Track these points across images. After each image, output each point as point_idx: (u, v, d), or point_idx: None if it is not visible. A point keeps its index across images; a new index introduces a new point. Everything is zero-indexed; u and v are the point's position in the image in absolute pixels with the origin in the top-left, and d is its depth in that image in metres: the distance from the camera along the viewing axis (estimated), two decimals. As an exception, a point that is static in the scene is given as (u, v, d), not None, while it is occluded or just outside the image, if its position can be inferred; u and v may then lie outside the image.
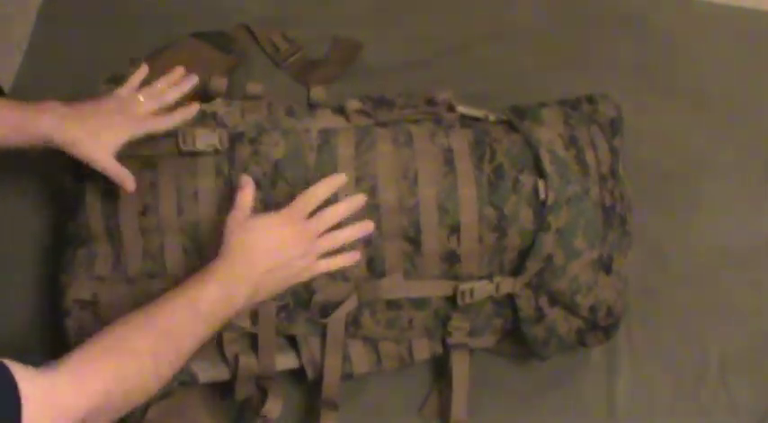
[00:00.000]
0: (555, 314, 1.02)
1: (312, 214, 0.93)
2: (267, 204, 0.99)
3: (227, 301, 0.85)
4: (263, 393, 1.03)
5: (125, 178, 0.96)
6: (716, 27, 1.31)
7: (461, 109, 1.08)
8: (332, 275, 1.00)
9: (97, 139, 0.94)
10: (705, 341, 1.15)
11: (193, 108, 1.01)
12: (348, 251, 0.95)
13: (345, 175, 0.95)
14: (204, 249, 0.99)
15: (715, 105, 1.27)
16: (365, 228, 0.95)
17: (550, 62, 1.28)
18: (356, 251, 0.96)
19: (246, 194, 0.91)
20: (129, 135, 0.96)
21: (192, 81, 1.05)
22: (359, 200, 0.95)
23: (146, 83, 1.07)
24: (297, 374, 1.05)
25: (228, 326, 0.99)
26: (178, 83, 1.04)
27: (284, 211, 0.91)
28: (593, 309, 1.01)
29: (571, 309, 1.01)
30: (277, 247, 0.89)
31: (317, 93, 1.12)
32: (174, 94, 1.02)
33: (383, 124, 1.04)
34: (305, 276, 0.93)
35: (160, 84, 1.03)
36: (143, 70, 1.04)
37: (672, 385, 1.13)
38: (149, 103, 1.00)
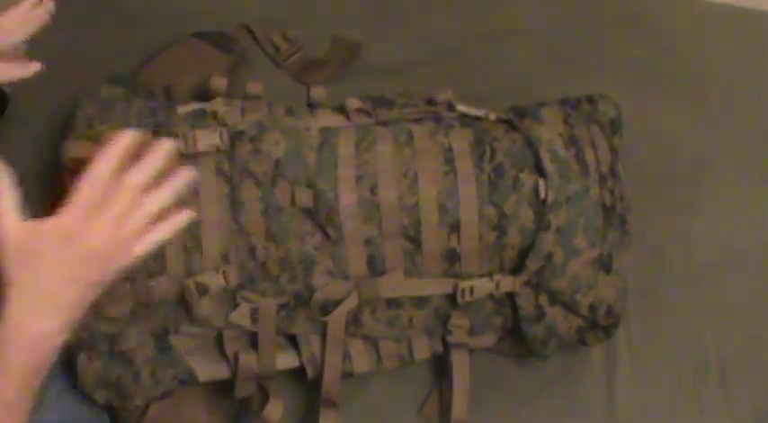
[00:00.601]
0: (555, 313, 1.02)
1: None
2: (267, 203, 0.99)
3: (32, 377, 0.68)
4: (264, 394, 1.03)
5: None
6: (716, 27, 1.31)
7: (461, 108, 1.08)
8: (332, 274, 1.00)
9: None
10: (705, 341, 1.15)
11: (34, 66, 0.94)
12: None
13: (170, 141, 0.72)
14: (205, 247, 0.99)
15: (715, 105, 1.27)
16: (185, 176, 0.72)
17: (550, 62, 1.29)
18: (186, 211, 0.73)
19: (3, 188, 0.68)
20: None
21: (47, 8, 0.94)
22: (167, 146, 0.71)
23: (148, 93, 1.07)
24: (296, 373, 1.05)
25: (228, 325, 1.00)
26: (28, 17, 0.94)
27: (73, 210, 0.67)
28: (592, 307, 1.01)
29: (571, 307, 1.02)
30: (83, 272, 0.68)
31: (317, 92, 1.12)
32: (20, 34, 0.93)
33: (383, 123, 1.04)
34: (122, 266, 0.71)
35: (9, 16, 0.92)
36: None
37: (672, 385, 1.13)
38: None
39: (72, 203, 0.68)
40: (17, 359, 0.66)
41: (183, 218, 0.72)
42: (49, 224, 0.68)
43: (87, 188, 0.68)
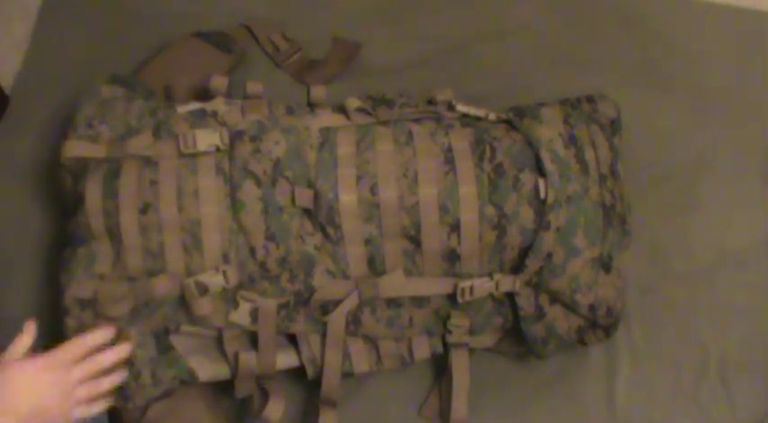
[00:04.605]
0: (555, 312, 1.02)
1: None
2: (267, 202, 0.99)
3: None
4: (264, 393, 1.03)
5: None
6: (715, 27, 1.32)
7: (461, 108, 1.08)
8: (332, 273, 1.00)
9: None
10: (705, 341, 1.15)
11: (108, 401, 0.94)
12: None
13: (113, 330, 0.92)
14: (205, 246, 0.99)
15: (714, 105, 1.27)
16: (119, 378, 0.93)
17: (550, 62, 1.29)
18: (110, 398, 0.93)
19: (22, 339, 0.87)
20: None
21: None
22: (126, 350, 0.92)
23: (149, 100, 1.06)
24: (296, 372, 1.05)
25: (228, 325, 1.00)
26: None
27: (46, 357, 0.87)
28: (592, 307, 1.01)
29: (571, 307, 1.02)
30: (33, 393, 0.85)
31: (317, 92, 1.12)
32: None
33: (384, 123, 1.04)
34: (61, 422, 0.87)
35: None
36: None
37: (671, 385, 1.13)
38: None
39: (51, 354, 0.87)
40: None
41: (109, 402, 0.94)
42: (23, 362, 0.86)
43: (66, 350, 0.88)
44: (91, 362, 0.90)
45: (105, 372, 0.92)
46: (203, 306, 0.98)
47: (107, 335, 0.92)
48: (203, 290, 0.97)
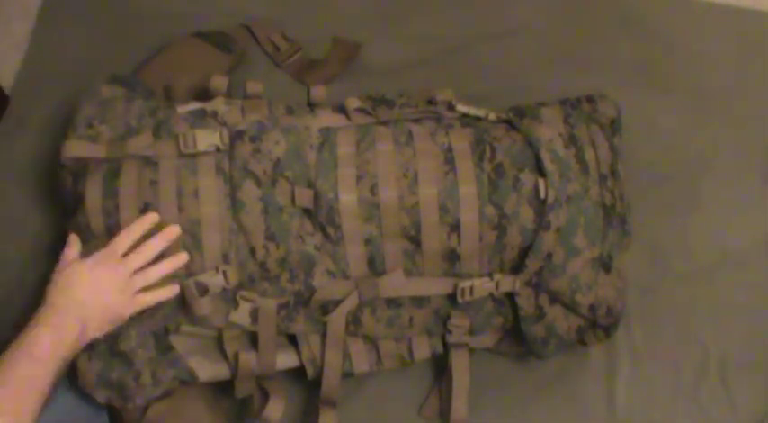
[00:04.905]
0: (555, 313, 1.02)
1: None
2: (267, 202, 0.99)
3: (59, 341, 0.88)
4: (264, 393, 1.03)
5: None
6: (715, 27, 1.32)
7: (461, 108, 1.08)
8: (332, 274, 1.00)
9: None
10: (705, 341, 1.15)
11: (175, 288, 0.98)
12: (168, 284, 0.97)
13: (157, 215, 0.97)
14: (205, 246, 0.99)
15: (714, 105, 1.27)
16: (179, 260, 0.97)
17: (550, 62, 1.29)
18: (175, 284, 0.97)
19: (69, 250, 0.96)
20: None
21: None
22: (173, 232, 0.97)
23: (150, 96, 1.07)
24: (296, 372, 1.05)
25: (228, 325, 1.00)
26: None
27: (99, 253, 0.94)
28: (592, 307, 1.01)
29: (571, 307, 1.02)
30: (92, 287, 0.92)
31: (317, 92, 1.12)
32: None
33: (384, 123, 1.04)
34: (127, 312, 0.94)
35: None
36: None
37: (672, 385, 1.13)
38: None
39: (101, 251, 0.94)
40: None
41: (176, 290, 0.97)
42: (77, 261, 0.94)
43: (114, 243, 0.95)
44: (142, 249, 0.95)
45: (161, 257, 0.96)
46: (203, 306, 0.98)
47: (152, 220, 0.96)
48: (203, 290, 0.97)
